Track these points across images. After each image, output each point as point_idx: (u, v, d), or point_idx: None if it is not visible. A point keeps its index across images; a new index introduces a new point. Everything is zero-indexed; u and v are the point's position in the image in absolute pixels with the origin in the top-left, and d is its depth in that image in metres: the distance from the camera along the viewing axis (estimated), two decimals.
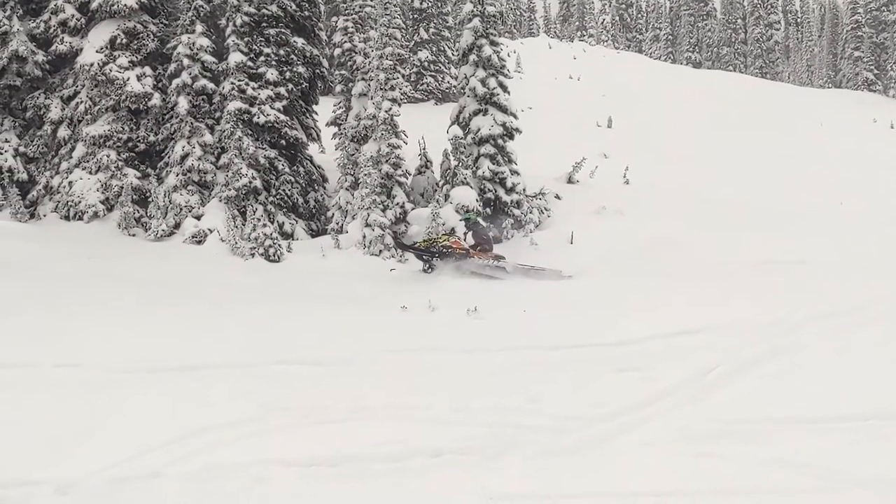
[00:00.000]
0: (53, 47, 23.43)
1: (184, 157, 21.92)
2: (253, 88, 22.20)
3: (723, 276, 16.98)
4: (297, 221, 22.41)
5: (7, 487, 6.44)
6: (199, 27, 22.47)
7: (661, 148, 36.71)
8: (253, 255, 20.04)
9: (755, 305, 13.38)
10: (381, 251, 20.59)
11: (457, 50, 26.05)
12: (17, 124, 23.44)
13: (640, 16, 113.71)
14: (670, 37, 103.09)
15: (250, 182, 21.39)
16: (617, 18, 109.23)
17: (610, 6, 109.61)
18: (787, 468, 7.14)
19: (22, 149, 23.09)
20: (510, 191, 22.85)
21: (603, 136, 39.39)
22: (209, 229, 20.96)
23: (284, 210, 22.38)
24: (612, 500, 6.73)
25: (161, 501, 6.42)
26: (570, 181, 26.66)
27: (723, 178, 30.34)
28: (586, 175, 27.26)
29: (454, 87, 45.77)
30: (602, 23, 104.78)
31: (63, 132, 23.14)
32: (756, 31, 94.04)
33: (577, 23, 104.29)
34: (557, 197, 24.62)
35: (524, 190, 23.29)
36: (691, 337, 11.78)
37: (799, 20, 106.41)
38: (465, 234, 20.23)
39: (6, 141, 22.82)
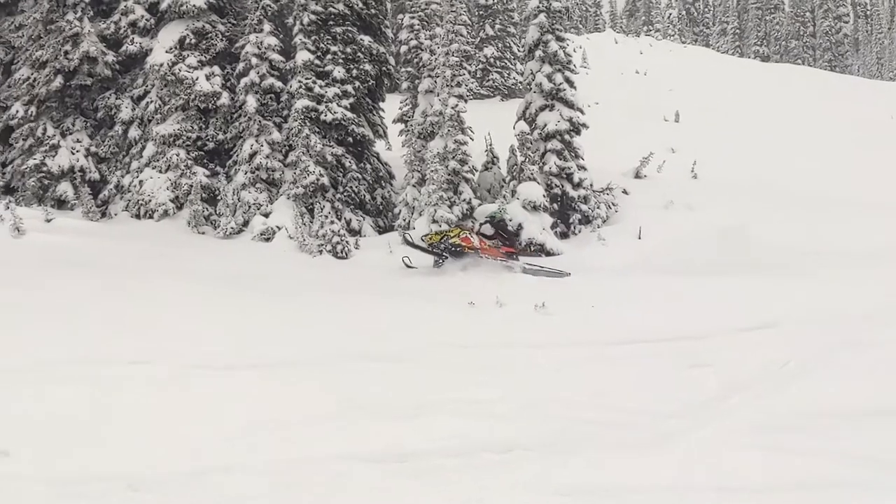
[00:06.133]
0: (123, 48, 23.73)
1: (252, 156, 22.07)
2: (320, 86, 22.26)
3: (796, 269, 16.73)
4: (364, 218, 22.46)
5: (82, 483, 6.46)
6: (266, 26, 22.62)
7: (730, 142, 36.22)
8: (321, 251, 20.11)
9: (829, 299, 13.17)
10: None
11: (522, 46, 26.00)
12: (88, 124, 23.79)
13: (707, 10, 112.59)
14: (738, 30, 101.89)
15: (318, 179, 21.47)
16: (684, 13, 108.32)
17: (677, 0, 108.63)
18: (859, 463, 7.01)
19: (93, 149, 23.41)
20: (577, 186, 22.69)
21: (670, 131, 38.99)
22: (277, 227, 21.07)
23: (352, 207, 22.44)
24: (681, 494, 6.66)
25: (234, 497, 6.42)
26: (637, 176, 26.41)
27: (795, 172, 29.82)
28: (654, 170, 26.99)
29: (520, 83, 45.72)
30: (668, 17, 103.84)
31: (133, 132, 23.43)
32: (825, 24, 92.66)
33: (643, 18, 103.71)
34: (625, 192, 24.41)
35: (591, 185, 23.12)
36: (763, 331, 11.67)
37: (868, 12, 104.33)
38: (481, 225, 20.18)
39: (78, 141, 23.16)
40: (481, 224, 20.28)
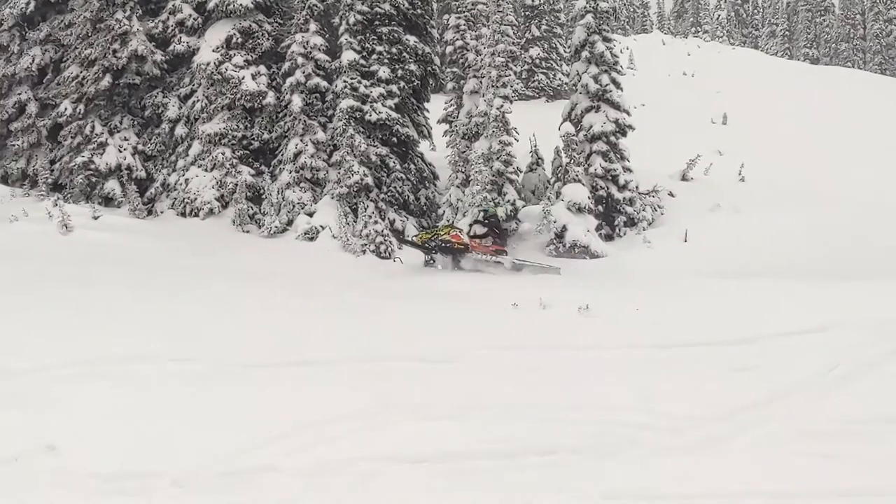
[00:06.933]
0: (171, 47, 23.95)
1: (297, 155, 22.14)
2: (365, 86, 22.29)
3: (843, 274, 16.54)
4: (407, 218, 22.46)
5: (125, 479, 6.49)
6: (312, 26, 22.68)
7: (778, 145, 35.95)
8: (364, 251, 20.16)
9: (877, 304, 12.98)
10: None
11: (569, 47, 25.94)
12: (135, 123, 24.00)
13: (756, 11, 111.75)
14: (787, 33, 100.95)
15: (362, 179, 21.50)
16: (732, 14, 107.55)
17: (725, 2, 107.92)
18: None
19: (140, 147, 23.62)
20: (623, 188, 22.60)
21: (718, 133, 38.79)
22: (321, 226, 21.11)
23: (395, 207, 22.45)
24: (726, 500, 6.56)
25: (275, 494, 6.41)
26: (683, 178, 26.24)
27: (845, 177, 29.55)
28: (701, 172, 26.82)
29: (566, 84, 45.60)
30: (717, 19, 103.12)
31: (180, 130, 23.60)
32: (875, 27, 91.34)
33: (691, 19, 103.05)
34: (671, 194, 24.27)
35: (637, 187, 23.01)
36: (811, 336, 11.49)
37: None
38: (472, 225, 20.10)
39: (125, 139, 23.37)
40: (473, 223, 20.21)
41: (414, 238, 19.71)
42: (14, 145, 23.68)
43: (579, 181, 21.62)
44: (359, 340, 10.99)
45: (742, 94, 49.49)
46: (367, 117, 22.11)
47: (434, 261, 19.15)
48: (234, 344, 10.21)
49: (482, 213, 20.34)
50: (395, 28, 22.85)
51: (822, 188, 27.19)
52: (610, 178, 22.57)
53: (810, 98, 50.03)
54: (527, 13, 49.87)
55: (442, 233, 18.95)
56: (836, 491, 6.64)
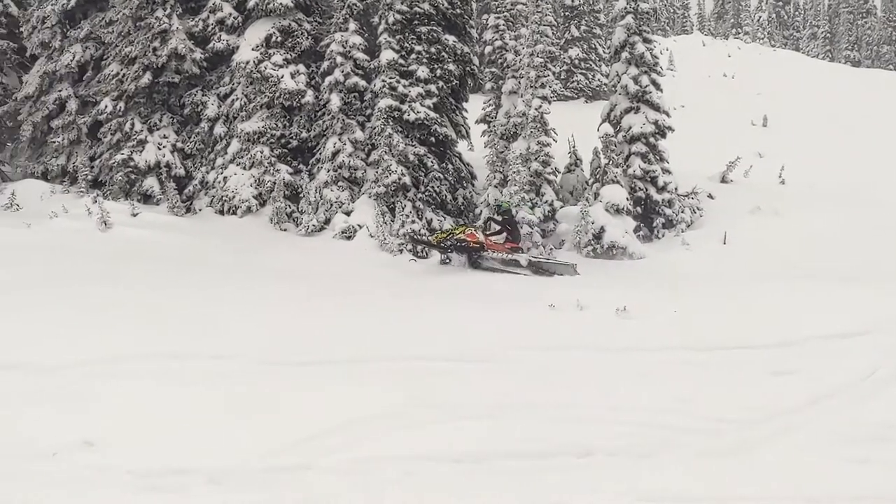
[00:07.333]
0: (211, 45, 24.02)
1: (335, 154, 22.16)
2: (404, 86, 22.27)
3: (883, 277, 16.36)
4: (445, 218, 22.38)
5: (161, 475, 6.54)
6: (352, 25, 22.68)
7: (819, 148, 35.67)
8: (401, 250, 20.15)
9: None
10: (528, 248, 20.40)
11: (608, 47, 25.82)
12: (174, 121, 24.11)
13: (797, 13, 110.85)
14: (828, 35, 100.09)
15: (399, 178, 21.47)
16: (773, 16, 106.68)
17: (766, 3, 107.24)
18: None
19: (179, 144, 23.71)
20: (661, 190, 22.49)
21: (758, 135, 38.53)
22: (358, 225, 21.10)
23: (433, 207, 22.40)
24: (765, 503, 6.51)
25: (312, 493, 6.42)
26: (723, 180, 26.10)
27: (886, 180, 29.20)
28: (740, 174, 26.67)
29: (604, 84, 45.42)
30: (758, 20, 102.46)
31: (219, 128, 23.67)
32: None
33: (731, 20, 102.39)
34: (710, 196, 24.13)
35: (676, 189, 22.89)
36: (851, 339, 11.40)
37: None
38: (486, 222, 20.10)
39: (164, 137, 23.48)
40: (487, 219, 20.22)
41: (430, 238, 19.72)
42: (55, 142, 23.82)
43: (618, 182, 21.51)
44: (394, 339, 10.99)
45: (783, 97, 49.21)
46: (405, 117, 22.08)
47: (450, 260, 19.25)
48: (270, 342, 10.26)
49: (496, 208, 20.30)
50: (435, 28, 22.80)
51: (862, 191, 26.94)
52: (649, 179, 22.48)
53: (851, 101, 49.64)
54: (566, 13, 49.71)
55: (457, 232, 18.96)
56: (873, 496, 6.63)
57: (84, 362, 8.66)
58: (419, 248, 20.12)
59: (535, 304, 14.19)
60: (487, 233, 19.36)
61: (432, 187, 22.43)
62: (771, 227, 21.76)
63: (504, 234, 19.37)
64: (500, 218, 19.66)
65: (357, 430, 7.64)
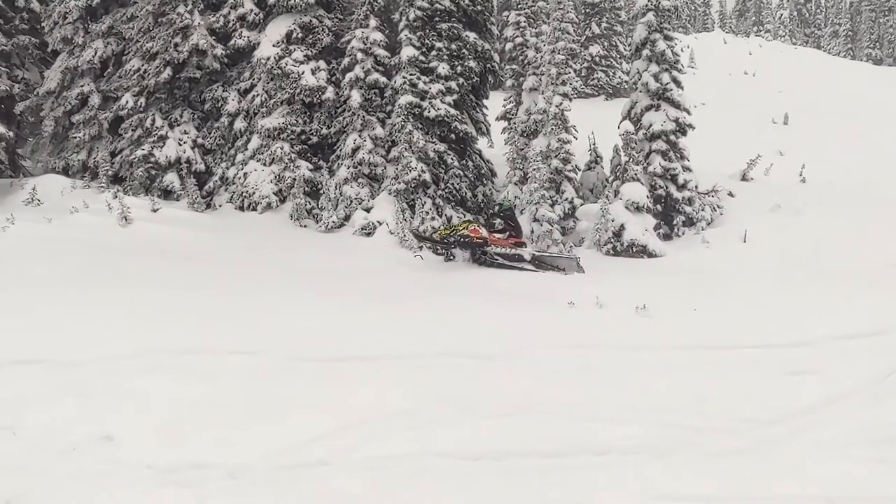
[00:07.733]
0: (232, 41, 24.01)
1: (355, 150, 22.16)
2: (424, 83, 22.25)
3: None
4: (465, 215, 22.34)
5: (181, 470, 6.55)
6: (372, 21, 22.68)
7: (840, 146, 35.50)
8: (421, 247, 20.12)
9: None
10: (548, 246, 20.37)
11: (629, 45, 25.80)
12: (195, 116, 24.13)
13: (818, 11, 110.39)
14: (850, 33, 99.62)
15: (419, 175, 21.46)
16: (795, 14, 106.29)
17: (788, 1, 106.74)
18: None
19: (199, 140, 23.74)
20: (682, 187, 22.43)
21: (779, 134, 38.39)
22: (378, 222, 21.09)
23: (453, 204, 22.38)
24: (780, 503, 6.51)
25: (329, 489, 6.41)
26: (743, 178, 26.02)
27: None
28: (761, 172, 26.58)
29: (625, 82, 45.40)
30: (779, 18, 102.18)
31: (239, 124, 23.68)
32: None
33: (753, 18, 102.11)
34: (730, 194, 24.06)
35: (696, 187, 22.83)
36: (869, 339, 11.36)
37: None
38: (489, 219, 20.09)
39: (185, 132, 23.51)
40: (490, 216, 20.22)
41: (434, 234, 19.73)
42: (76, 137, 23.87)
43: (638, 180, 21.48)
44: (413, 337, 10.98)
45: (804, 95, 49.05)
46: (425, 113, 22.07)
47: (453, 256, 19.27)
48: (289, 339, 10.25)
49: (498, 207, 20.29)
50: (455, 24, 22.76)
51: (883, 190, 26.80)
52: (669, 177, 22.42)
53: (873, 99, 49.43)
54: (587, 10, 49.74)
55: (461, 228, 18.97)
56: (890, 496, 6.62)
57: (104, 357, 8.67)
58: (426, 244, 20.15)
59: (554, 301, 14.18)
60: (490, 230, 19.36)
61: (452, 184, 22.40)
62: (791, 225, 21.69)
63: (507, 232, 19.38)
64: (501, 224, 19.64)
65: (376, 427, 7.63)
